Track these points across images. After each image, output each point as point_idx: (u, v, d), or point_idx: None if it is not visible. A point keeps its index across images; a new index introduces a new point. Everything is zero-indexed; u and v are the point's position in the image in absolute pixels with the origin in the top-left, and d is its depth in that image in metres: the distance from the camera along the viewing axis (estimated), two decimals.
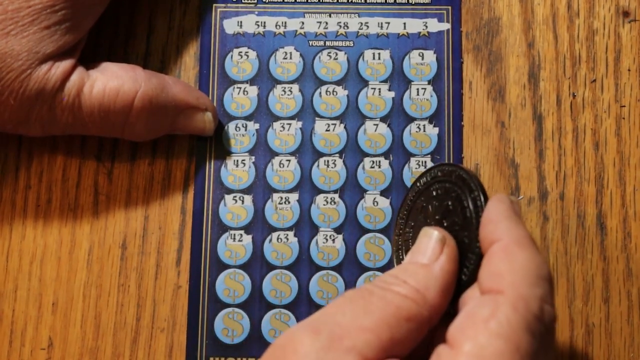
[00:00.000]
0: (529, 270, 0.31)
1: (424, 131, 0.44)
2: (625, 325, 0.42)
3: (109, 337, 0.42)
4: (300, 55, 0.44)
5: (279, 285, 0.42)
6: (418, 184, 0.38)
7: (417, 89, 0.44)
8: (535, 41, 0.44)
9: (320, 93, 0.44)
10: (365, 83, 0.44)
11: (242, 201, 0.43)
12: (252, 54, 0.44)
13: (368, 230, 0.43)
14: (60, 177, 0.43)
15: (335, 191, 0.43)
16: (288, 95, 0.44)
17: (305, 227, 0.43)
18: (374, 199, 0.43)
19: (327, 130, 0.44)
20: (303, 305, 0.42)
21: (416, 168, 0.43)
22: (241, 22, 0.45)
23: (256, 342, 0.42)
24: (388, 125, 0.44)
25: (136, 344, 0.42)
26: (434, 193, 0.37)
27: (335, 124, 0.44)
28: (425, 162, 0.43)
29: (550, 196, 0.43)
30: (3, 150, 0.43)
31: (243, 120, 0.44)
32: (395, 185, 0.43)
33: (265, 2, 0.45)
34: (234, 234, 0.43)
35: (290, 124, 0.44)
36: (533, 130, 0.44)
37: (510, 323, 0.30)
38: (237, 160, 0.43)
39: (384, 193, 0.43)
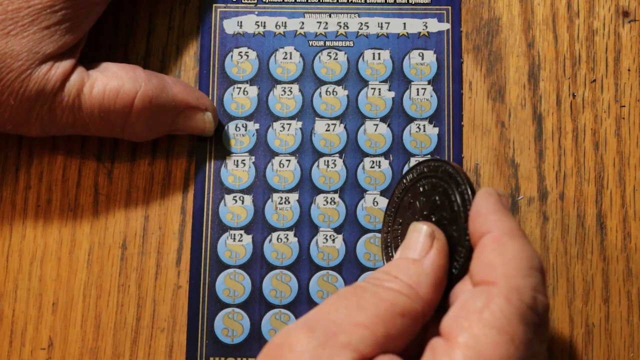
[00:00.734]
0: (521, 260, 0.32)
1: (424, 131, 0.44)
2: (625, 325, 0.42)
3: (109, 337, 0.42)
4: (300, 55, 0.44)
5: (279, 285, 0.42)
6: (404, 181, 0.38)
7: (417, 89, 0.44)
8: (535, 41, 0.44)
9: (320, 93, 0.44)
10: (365, 83, 0.44)
11: (242, 201, 0.43)
12: (252, 54, 0.44)
13: (368, 230, 0.43)
14: (60, 177, 0.43)
15: (335, 191, 0.43)
16: (288, 95, 0.44)
17: (305, 227, 0.43)
18: (374, 199, 0.43)
19: (327, 130, 0.44)
20: (303, 305, 0.42)
21: None
22: (241, 22, 0.45)
23: (256, 342, 0.42)
24: (388, 125, 0.44)
25: (136, 344, 0.42)
26: (421, 189, 0.37)
27: (335, 124, 0.44)
28: None
29: (550, 196, 0.43)
30: (3, 150, 0.43)
31: (243, 120, 0.44)
32: (395, 186, 0.43)
33: (265, 2, 0.45)
34: (234, 234, 0.43)
35: (290, 124, 0.44)
36: (533, 130, 0.44)
37: (504, 314, 0.30)
38: (237, 160, 0.43)
39: (383, 193, 0.43)
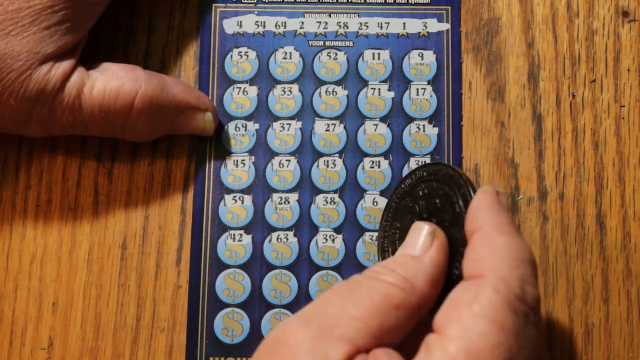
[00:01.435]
0: (508, 253, 0.32)
1: (424, 131, 0.44)
2: (624, 325, 0.42)
3: (109, 337, 0.42)
4: (300, 55, 0.44)
5: (279, 285, 0.42)
6: (402, 186, 0.38)
7: (417, 89, 0.44)
8: (534, 41, 0.44)
9: (320, 93, 0.44)
10: (365, 83, 0.44)
11: (242, 201, 0.43)
12: (252, 54, 0.44)
13: (368, 230, 0.43)
14: (60, 177, 0.43)
15: (335, 191, 0.43)
16: (288, 95, 0.44)
17: (305, 227, 0.43)
18: (374, 199, 0.43)
19: (326, 130, 0.44)
20: (303, 305, 0.42)
21: None
22: (241, 22, 0.45)
23: (256, 342, 0.42)
24: (388, 125, 0.44)
25: (136, 344, 0.42)
26: (420, 193, 0.37)
27: (335, 124, 0.44)
28: (425, 162, 0.43)
29: (549, 196, 0.43)
30: (3, 150, 0.43)
31: (243, 120, 0.44)
32: (395, 186, 0.43)
33: (265, 2, 0.45)
34: (234, 234, 0.43)
35: (290, 124, 0.44)
36: (532, 130, 0.44)
37: (493, 304, 0.30)
38: (237, 160, 0.43)
39: (383, 193, 0.43)
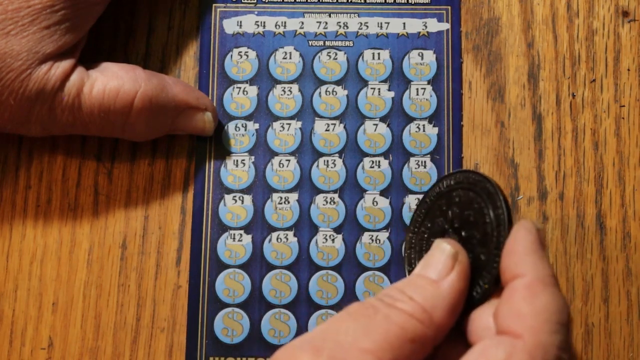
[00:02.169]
0: (551, 314, 0.31)
1: (424, 131, 0.44)
2: (624, 325, 0.42)
3: (109, 337, 0.42)
4: (300, 55, 0.44)
5: (279, 285, 0.42)
6: (440, 186, 0.37)
7: (417, 89, 0.44)
8: (534, 41, 0.44)
9: (319, 93, 0.44)
10: (364, 83, 0.44)
11: (242, 201, 0.43)
12: (252, 54, 0.44)
13: (368, 230, 0.43)
14: (60, 177, 0.43)
15: (334, 191, 0.43)
16: (288, 95, 0.44)
17: (304, 227, 0.43)
18: (374, 198, 0.43)
19: (326, 130, 0.44)
20: (303, 305, 0.42)
21: (416, 168, 0.43)
22: (241, 22, 0.45)
23: (256, 342, 0.42)
24: (388, 125, 0.44)
25: (136, 344, 0.42)
26: (456, 199, 0.36)
27: (334, 124, 0.44)
28: (425, 162, 0.43)
29: (549, 196, 0.43)
30: (3, 150, 0.43)
31: (243, 120, 0.44)
32: (394, 185, 0.43)
33: (264, 2, 0.45)
34: (234, 234, 0.43)
35: (289, 124, 0.44)
36: (532, 130, 0.44)
37: None
38: (237, 160, 0.43)
39: (383, 193, 0.43)
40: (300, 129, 0.44)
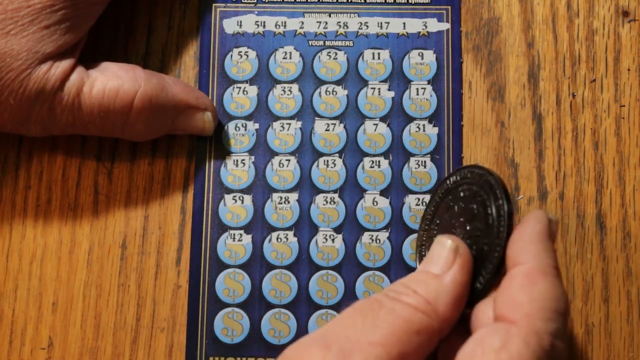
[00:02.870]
0: (547, 302, 0.31)
1: (424, 131, 0.44)
2: (624, 324, 0.42)
3: (109, 337, 0.42)
4: (300, 55, 0.44)
5: (279, 285, 0.42)
6: (448, 182, 0.38)
7: (417, 89, 0.44)
8: (534, 41, 0.44)
9: (319, 93, 0.44)
10: (364, 83, 0.44)
11: (242, 201, 0.43)
12: (252, 54, 0.44)
13: (368, 230, 0.43)
14: (60, 177, 0.43)
15: (334, 191, 0.43)
16: (288, 95, 0.44)
17: (304, 227, 0.43)
18: (374, 198, 0.43)
19: (326, 130, 0.44)
20: (303, 305, 0.42)
21: (416, 168, 0.43)
22: (241, 21, 0.45)
23: (256, 341, 0.42)
24: (388, 125, 0.44)
25: (136, 344, 0.42)
26: (462, 194, 0.37)
27: (334, 124, 0.44)
28: (425, 161, 0.43)
29: (549, 196, 0.43)
30: (3, 150, 0.43)
31: (243, 120, 0.44)
32: (394, 185, 0.43)
33: (265, 2, 0.45)
34: (234, 234, 0.43)
35: (289, 124, 0.44)
36: (533, 130, 0.44)
37: (521, 356, 0.29)
38: (237, 160, 0.43)
39: (383, 193, 0.43)
40: (300, 128, 0.44)
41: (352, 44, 0.45)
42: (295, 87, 0.44)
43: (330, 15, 0.45)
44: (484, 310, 0.33)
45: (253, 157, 0.43)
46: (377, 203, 0.43)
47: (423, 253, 0.38)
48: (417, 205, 0.43)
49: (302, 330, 0.42)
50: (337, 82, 0.44)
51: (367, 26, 0.45)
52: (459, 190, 0.37)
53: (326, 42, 0.45)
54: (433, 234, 0.38)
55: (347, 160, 0.43)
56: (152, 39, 0.45)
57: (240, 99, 0.44)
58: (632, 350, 0.42)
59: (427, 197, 0.43)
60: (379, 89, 0.44)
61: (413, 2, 0.45)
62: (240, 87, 0.44)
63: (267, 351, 0.42)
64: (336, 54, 0.44)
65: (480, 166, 0.37)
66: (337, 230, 0.43)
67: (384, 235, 0.43)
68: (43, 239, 0.43)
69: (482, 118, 0.44)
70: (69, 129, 0.40)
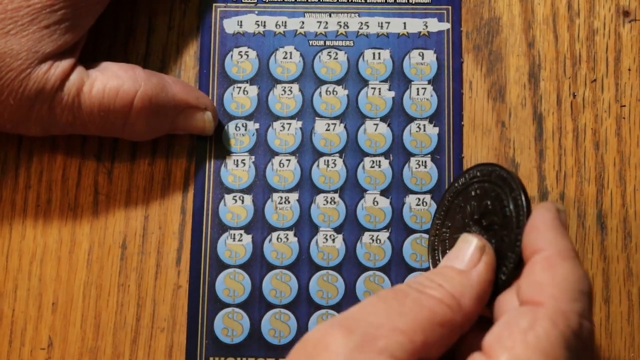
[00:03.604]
0: (571, 283, 0.31)
1: (424, 131, 0.44)
2: (625, 325, 0.42)
3: (109, 337, 0.42)
4: (300, 54, 0.44)
5: (279, 285, 0.42)
6: (456, 185, 0.38)
7: (417, 89, 0.44)
8: (535, 41, 0.44)
9: (320, 93, 0.44)
10: (365, 83, 0.44)
11: (242, 201, 0.43)
12: (252, 54, 0.44)
13: (368, 230, 0.43)
14: (60, 177, 0.43)
15: (335, 191, 0.43)
16: (288, 94, 0.44)
17: (305, 227, 0.43)
18: (374, 198, 0.43)
19: (327, 130, 0.44)
20: (303, 305, 0.42)
21: (416, 168, 0.43)
22: (241, 21, 0.45)
23: (256, 342, 0.42)
24: (388, 125, 0.44)
25: (136, 344, 0.42)
26: (473, 193, 0.37)
27: (335, 124, 0.44)
28: (425, 161, 0.43)
29: (550, 196, 0.43)
30: (3, 150, 0.43)
31: (243, 119, 0.44)
32: (395, 185, 0.43)
33: (265, 2, 0.45)
34: (234, 234, 0.43)
35: (290, 124, 0.44)
36: (533, 130, 0.44)
37: (549, 337, 0.30)
38: (237, 160, 0.43)
39: (384, 193, 0.43)
40: (300, 128, 0.44)
41: (352, 44, 0.44)
42: (295, 87, 0.44)
43: (330, 15, 0.45)
44: (508, 300, 0.33)
45: (253, 157, 0.43)
46: (377, 203, 0.43)
47: (437, 257, 0.38)
48: (417, 205, 0.43)
49: (302, 331, 0.42)
50: (338, 82, 0.44)
51: (368, 26, 0.45)
52: (470, 190, 0.37)
53: (326, 42, 0.44)
54: (445, 237, 0.38)
55: (347, 160, 0.43)
56: (152, 39, 0.45)
57: (240, 99, 0.44)
58: (633, 351, 0.41)
59: (428, 197, 0.43)
60: (380, 88, 0.44)
61: (413, 2, 0.45)
62: (240, 87, 0.44)
63: (267, 351, 0.42)
64: (336, 53, 0.44)
65: (489, 163, 0.37)
66: (338, 230, 0.43)
67: (384, 235, 0.43)
68: (43, 238, 0.43)
69: (483, 118, 0.44)
70: (69, 128, 0.40)
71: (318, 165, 0.43)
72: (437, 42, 0.44)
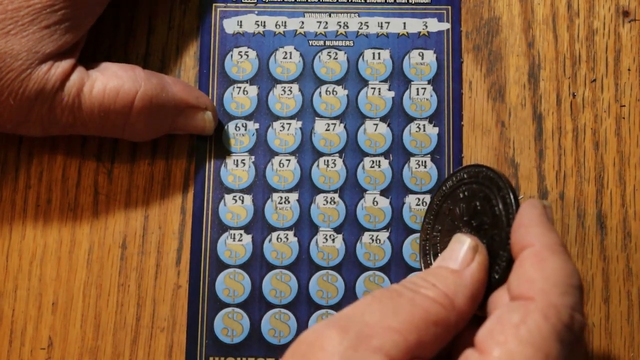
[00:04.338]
0: (561, 277, 0.31)
1: (424, 131, 0.44)
2: (625, 324, 0.42)
3: (109, 337, 0.42)
4: (300, 54, 0.44)
5: (279, 285, 0.42)
6: (444, 188, 0.38)
7: (417, 89, 0.44)
8: (535, 41, 0.44)
9: (320, 93, 0.44)
10: (365, 83, 0.44)
11: (242, 201, 0.43)
12: (252, 54, 0.44)
13: (368, 230, 0.43)
14: (60, 177, 0.43)
15: (335, 191, 0.43)
16: (288, 94, 0.44)
17: (305, 227, 0.43)
18: (374, 198, 0.43)
19: (327, 130, 0.44)
20: (303, 305, 0.42)
21: (416, 168, 0.43)
22: (241, 21, 0.45)
23: (256, 342, 0.42)
24: (388, 125, 0.44)
25: (136, 343, 0.42)
26: (461, 195, 0.37)
27: (335, 124, 0.44)
28: (425, 161, 0.43)
29: (550, 196, 0.43)
30: (3, 150, 0.43)
31: (243, 119, 0.44)
32: (395, 185, 0.43)
33: (265, 2, 0.45)
34: (234, 234, 0.43)
35: (290, 124, 0.44)
36: (533, 130, 0.44)
37: (541, 331, 0.30)
38: (237, 160, 0.43)
39: (383, 193, 0.43)
40: (300, 128, 0.44)
41: (352, 44, 0.45)
42: (295, 87, 0.44)
43: (330, 15, 0.45)
44: (499, 297, 0.34)
45: (253, 157, 0.43)
46: (377, 203, 0.43)
47: (429, 261, 0.38)
48: (417, 205, 0.43)
49: (302, 330, 0.42)
50: (338, 82, 0.44)
51: (368, 26, 0.45)
52: (457, 192, 0.37)
53: (326, 42, 0.45)
54: (436, 240, 0.38)
55: (347, 160, 0.43)
56: (152, 39, 0.45)
57: (240, 99, 0.44)
58: (633, 351, 0.42)
59: (428, 197, 0.43)
60: (379, 88, 0.44)
61: (413, 2, 0.45)
62: (240, 87, 0.44)
63: (267, 351, 0.42)
64: (336, 53, 0.44)
65: (475, 164, 0.37)
66: (337, 230, 0.43)
67: (384, 235, 0.43)
68: (43, 239, 0.43)
69: (483, 118, 0.44)
70: (69, 129, 0.40)
71: (318, 165, 0.43)
72: (437, 42, 0.44)
